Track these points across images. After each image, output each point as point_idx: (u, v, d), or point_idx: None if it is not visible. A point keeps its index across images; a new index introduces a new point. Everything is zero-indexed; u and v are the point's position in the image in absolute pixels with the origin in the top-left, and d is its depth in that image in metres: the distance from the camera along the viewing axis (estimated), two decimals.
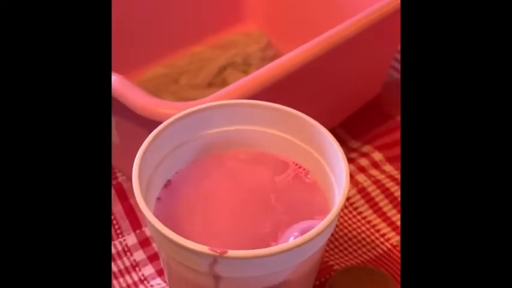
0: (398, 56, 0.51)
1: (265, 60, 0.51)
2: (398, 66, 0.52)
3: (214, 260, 0.20)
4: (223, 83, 0.49)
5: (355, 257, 0.36)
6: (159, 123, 0.28)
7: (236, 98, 0.28)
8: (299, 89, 0.35)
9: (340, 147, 0.24)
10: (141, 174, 0.22)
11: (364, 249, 0.37)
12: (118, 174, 0.42)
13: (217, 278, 0.20)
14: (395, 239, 0.37)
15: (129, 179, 0.41)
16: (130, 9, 0.47)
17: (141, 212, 0.39)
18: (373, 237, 0.37)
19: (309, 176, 0.26)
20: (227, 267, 0.20)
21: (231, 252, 0.19)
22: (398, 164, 0.42)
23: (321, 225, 0.20)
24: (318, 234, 0.20)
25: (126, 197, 0.40)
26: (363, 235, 0.38)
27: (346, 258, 0.36)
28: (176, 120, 0.25)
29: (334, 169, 0.24)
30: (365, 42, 0.39)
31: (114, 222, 0.38)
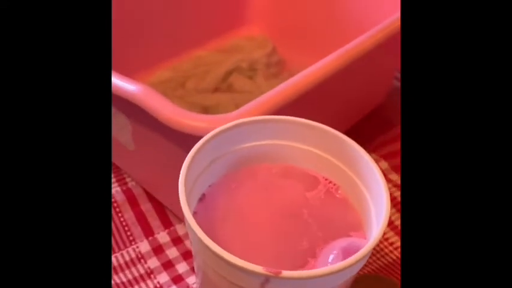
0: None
1: (270, 66, 0.52)
2: (400, 76, 0.53)
3: (266, 279, 0.20)
4: (230, 88, 0.49)
5: (366, 266, 0.37)
6: (186, 134, 0.28)
7: (262, 113, 0.29)
8: (315, 101, 0.35)
9: (375, 163, 0.24)
10: (186, 191, 0.22)
11: (374, 258, 0.38)
12: (128, 180, 0.41)
13: None
14: None
15: (139, 184, 0.41)
16: (134, 12, 0.47)
17: (153, 219, 0.39)
18: (382, 245, 0.38)
19: (339, 192, 0.27)
20: (278, 287, 0.20)
21: (286, 273, 0.20)
22: None
23: (368, 245, 0.21)
24: (365, 256, 0.21)
25: (136, 202, 0.40)
26: None
27: None
28: (216, 135, 0.25)
29: (369, 186, 0.25)
30: (378, 55, 0.40)
31: (126, 228, 0.38)
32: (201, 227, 0.22)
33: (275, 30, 0.55)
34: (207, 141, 0.25)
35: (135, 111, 0.30)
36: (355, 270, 0.22)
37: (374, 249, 0.38)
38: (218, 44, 0.54)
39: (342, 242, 0.23)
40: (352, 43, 0.35)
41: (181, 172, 0.23)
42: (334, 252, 0.23)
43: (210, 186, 0.27)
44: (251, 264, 0.20)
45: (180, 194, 0.22)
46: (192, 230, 0.21)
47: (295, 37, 0.55)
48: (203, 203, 0.26)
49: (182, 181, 0.23)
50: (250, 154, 0.27)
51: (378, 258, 0.38)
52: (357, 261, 0.20)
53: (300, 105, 0.32)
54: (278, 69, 0.52)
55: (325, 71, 0.33)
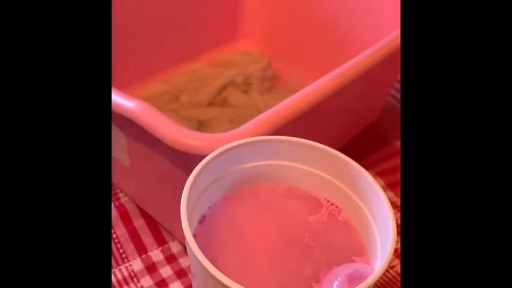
0: (396, 84, 0.53)
1: (264, 80, 0.51)
2: (395, 93, 0.53)
3: None
4: (224, 102, 0.49)
5: None
6: (185, 153, 0.27)
7: (262, 132, 0.28)
8: (313, 119, 0.35)
9: (380, 187, 0.24)
10: (188, 213, 0.22)
11: None
12: (120, 195, 0.41)
13: None
14: (400, 266, 0.38)
15: (132, 199, 0.40)
16: (129, 25, 0.47)
17: (147, 235, 0.38)
18: None
19: (342, 214, 0.26)
20: None
21: None
22: (399, 191, 0.43)
23: (376, 274, 0.20)
24: (371, 286, 0.20)
25: (129, 219, 0.39)
26: None
27: None
28: (218, 155, 0.25)
29: (373, 209, 0.24)
30: (375, 74, 0.40)
31: (119, 246, 0.37)
32: (200, 250, 0.21)
33: (270, 45, 0.55)
34: (210, 161, 0.24)
35: (133, 128, 0.29)
36: None
37: None
38: (213, 58, 0.53)
39: (347, 269, 0.23)
40: (351, 62, 0.35)
41: (183, 194, 0.22)
42: (339, 279, 0.22)
43: (210, 207, 0.26)
44: None
45: (182, 217, 0.22)
46: (193, 254, 0.21)
47: (290, 52, 0.54)
48: (203, 225, 0.25)
49: (184, 203, 0.22)
50: (251, 174, 0.27)
51: None
52: None
53: (299, 123, 0.31)
54: (272, 84, 0.52)
55: (325, 90, 0.33)
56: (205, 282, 0.22)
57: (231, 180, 0.26)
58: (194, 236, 0.25)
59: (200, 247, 0.23)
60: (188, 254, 0.23)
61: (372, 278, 0.20)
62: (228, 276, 0.20)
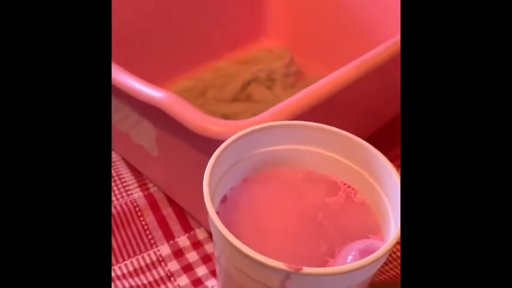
0: None
1: (288, 76, 0.53)
2: None
3: (287, 275, 0.21)
4: (248, 98, 0.50)
5: (382, 273, 0.37)
6: (210, 139, 0.29)
7: (281, 119, 0.30)
8: (332, 110, 0.36)
9: (393, 166, 0.25)
10: (210, 193, 0.23)
11: (391, 265, 0.38)
12: (150, 185, 0.43)
13: None
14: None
15: (160, 189, 0.42)
16: (160, 26, 0.49)
17: (174, 223, 0.40)
18: (399, 253, 0.39)
19: (358, 196, 0.28)
20: (298, 283, 0.21)
21: (306, 269, 0.20)
22: None
23: (386, 246, 0.21)
24: (382, 255, 0.21)
25: (158, 207, 0.41)
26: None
27: None
28: (239, 138, 0.26)
29: (387, 189, 0.25)
30: (394, 66, 0.40)
31: (148, 232, 0.39)
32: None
33: (293, 42, 0.57)
34: (231, 143, 0.26)
35: (161, 117, 0.31)
36: (373, 270, 0.23)
37: (391, 256, 0.39)
38: (238, 56, 0.55)
39: (361, 244, 0.24)
40: (369, 54, 0.36)
41: (205, 172, 0.24)
42: (353, 253, 0.23)
43: (231, 188, 0.27)
44: (273, 260, 0.21)
45: (204, 194, 0.23)
46: (216, 228, 0.22)
47: (313, 48, 0.56)
48: (225, 205, 0.27)
49: (206, 181, 0.24)
50: (270, 158, 0.28)
51: (395, 266, 0.38)
52: (375, 260, 0.21)
53: (317, 113, 0.32)
54: (296, 80, 0.53)
55: (342, 81, 0.34)
56: (228, 256, 0.23)
57: (251, 164, 0.28)
58: (217, 213, 0.26)
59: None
60: (211, 229, 0.24)
61: (383, 249, 0.21)
62: None
